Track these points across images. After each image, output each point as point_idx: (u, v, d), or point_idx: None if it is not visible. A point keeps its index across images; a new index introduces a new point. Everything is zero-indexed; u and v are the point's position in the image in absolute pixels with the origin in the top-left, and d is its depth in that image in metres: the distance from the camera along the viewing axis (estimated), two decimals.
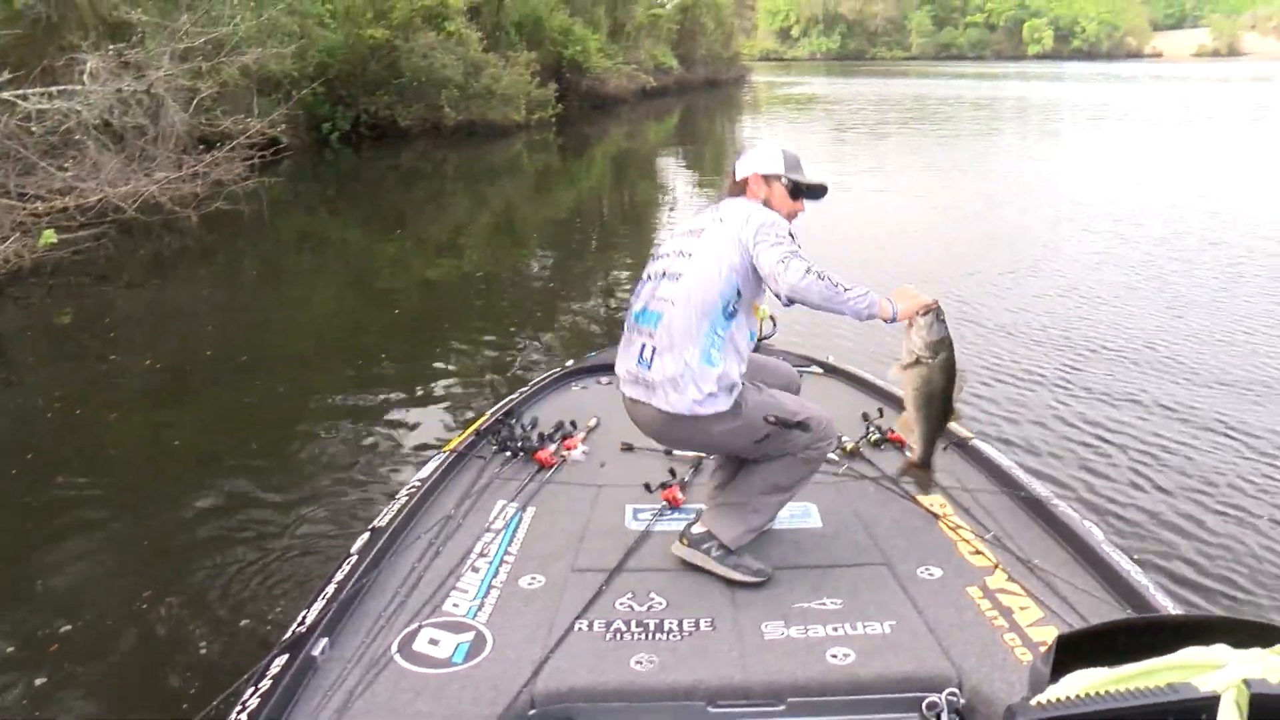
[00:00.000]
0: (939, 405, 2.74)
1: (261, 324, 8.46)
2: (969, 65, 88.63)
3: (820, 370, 4.71)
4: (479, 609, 2.67)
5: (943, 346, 2.66)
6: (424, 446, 5.37)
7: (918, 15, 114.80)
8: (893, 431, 3.80)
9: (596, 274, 10.49)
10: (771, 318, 4.24)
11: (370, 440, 5.63)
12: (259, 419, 6.04)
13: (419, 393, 6.50)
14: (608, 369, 4.54)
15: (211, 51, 13.76)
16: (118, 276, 9.79)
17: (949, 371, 2.69)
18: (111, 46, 12.34)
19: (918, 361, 2.67)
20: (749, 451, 2.93)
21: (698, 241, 2.84)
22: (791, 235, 2.79)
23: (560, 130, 25.43)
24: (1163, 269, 9.32)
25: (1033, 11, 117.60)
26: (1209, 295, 8.29)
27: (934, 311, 2.65)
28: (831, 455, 3.61)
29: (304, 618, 2.54)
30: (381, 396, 6.38)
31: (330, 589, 2.65)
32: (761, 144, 3.15)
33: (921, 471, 3.01)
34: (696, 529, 2.90)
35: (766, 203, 2.95)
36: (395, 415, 6.06)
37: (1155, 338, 7.11)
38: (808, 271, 2.62)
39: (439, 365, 7.11)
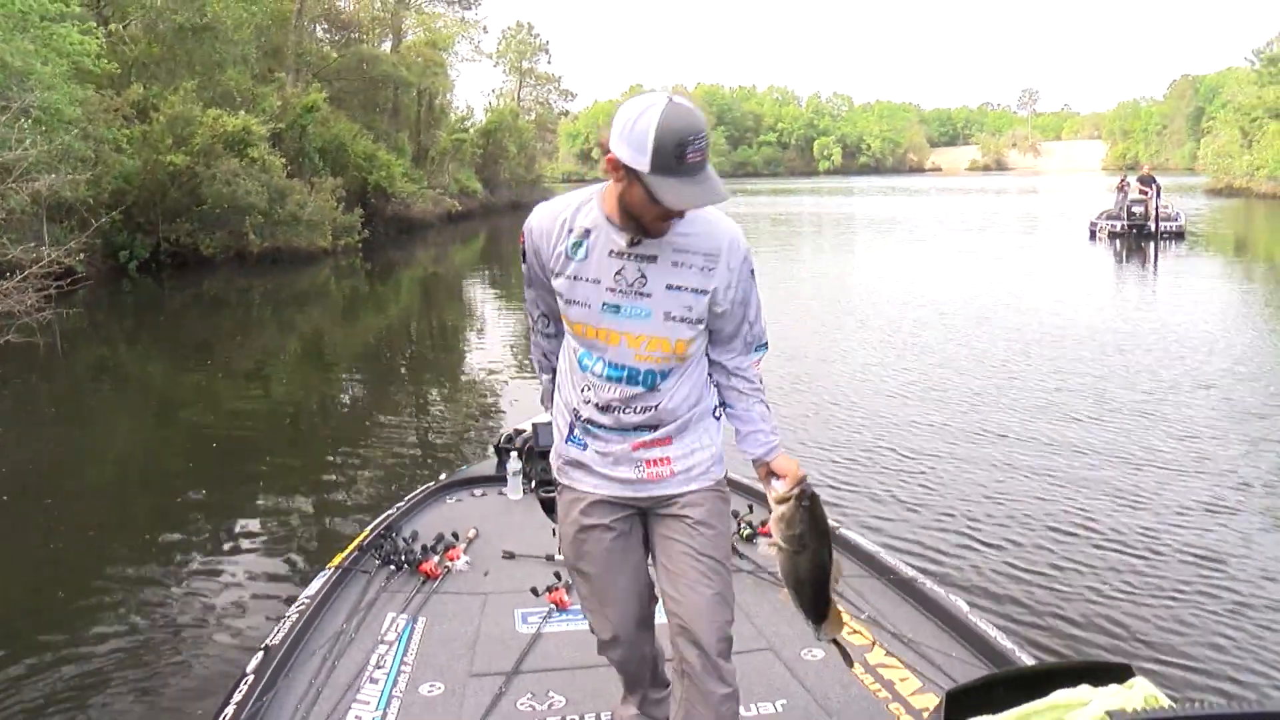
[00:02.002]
0: (809, 595, 2.21)
1: (59, 463, 7.90)
2: (764, 181, 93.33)
3: None
4: (382, 719, 2.67)
5: (806, 540, 2.15)
6: (276, 575, 5.21)
7: (714, 135, 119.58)
8: (763, 526, 3.92)
9: (407, 396, 10.56)
10: None
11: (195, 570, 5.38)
12: (59, 562, 5.66)
13: (257, 522, 6.31)
14: (481, 481, 4.61)
15: None
16: None
17: (818, 564, 2.17)
18: None
19: (780, 549, 2.18)
20: None
21: None
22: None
23: (367, 255, 25.21)
24: (929, 376, 9.70)
25: (821, 130, 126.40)
26: (979, 398, 8.74)
27: (795, 498, 2.14)
28: None
29: None
30: (201, 528, 6.18)
31: (229, 710, 2.60)
32: (642, 99, 2.05)
33: (836, 641, 2.30)
34: None
35: (622, 198, 2.12)
36: (211, 548, 5.84)
37: (917, 443, 7.42)
38: None
39: (269, 496, 6.95)
